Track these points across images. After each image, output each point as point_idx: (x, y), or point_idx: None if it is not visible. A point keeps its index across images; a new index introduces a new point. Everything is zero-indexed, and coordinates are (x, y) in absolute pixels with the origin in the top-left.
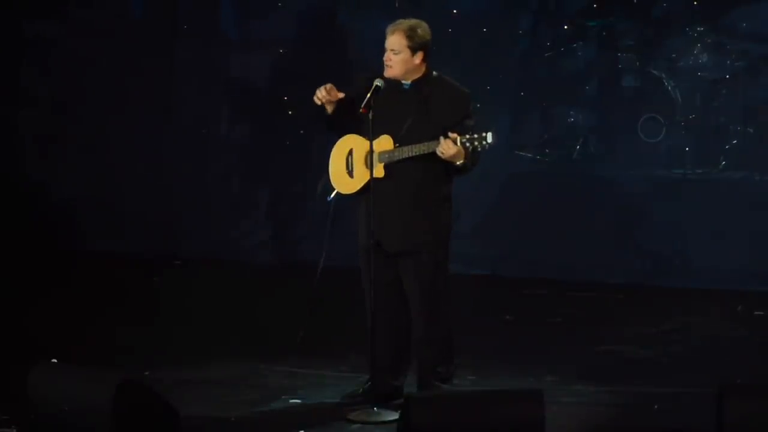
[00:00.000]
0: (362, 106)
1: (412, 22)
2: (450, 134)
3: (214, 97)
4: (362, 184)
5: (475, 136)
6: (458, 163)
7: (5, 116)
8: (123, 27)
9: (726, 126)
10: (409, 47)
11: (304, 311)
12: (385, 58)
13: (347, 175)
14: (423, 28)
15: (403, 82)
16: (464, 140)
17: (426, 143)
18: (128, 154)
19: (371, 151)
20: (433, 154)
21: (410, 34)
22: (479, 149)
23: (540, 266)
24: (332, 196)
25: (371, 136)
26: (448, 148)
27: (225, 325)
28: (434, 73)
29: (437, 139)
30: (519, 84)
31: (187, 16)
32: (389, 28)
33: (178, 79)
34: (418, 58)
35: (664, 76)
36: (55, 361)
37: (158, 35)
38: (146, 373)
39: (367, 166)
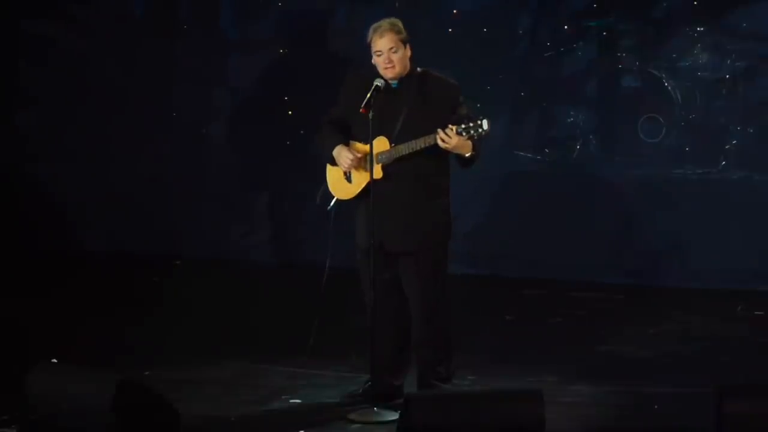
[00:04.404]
0: (362, 106)
1: (389, 20)
2: (449, 126)
3: (213, 97)
4: (362, 188)
5: (471, 124)
6: (467, 154)
7: (5, 116)
8: (123, 27)
9: (726, 126)
10: (402, 41)
11: (312, 318)
12: (383, 61)
13: (345, 181)
14: (401, 22)
15: (390, 81)
16: (460, 130)
17: (423, 138)
18: (128, 154)
19: (371, 152)
20: (430, 150)
21: (397, 30)
22: (476, 137)
23: (540, 266)
24: (332, 204)
25: (371, 137)
26: (449, 138)
27: (225, 325)
28: (418, 69)
29: (433, 132)
30: (519, 84)
31: (187, 16)
32: (376, 33)
33: (178, 79)
34: (408, 50)
35: (664, 76)
36: (55, 361)
37: (158, 35)
38: (146, 373)
39: (365, 169)
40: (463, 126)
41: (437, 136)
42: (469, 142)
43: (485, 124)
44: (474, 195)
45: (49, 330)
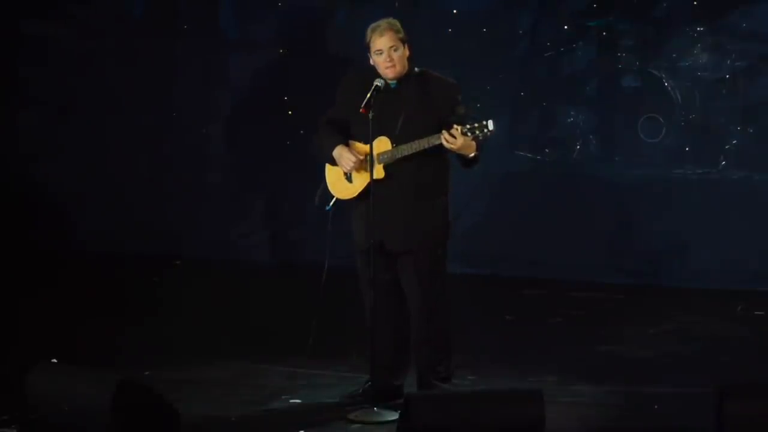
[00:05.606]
0: (362, 106)
1: (388, 19)
2: (455, 126)
3: (213, 97)
4: (363, 187)
5: (476, 125)
6: (471, 155)
7: (5, 116)
8: (123, 27)
9: (726, 126)
10: (401, 41)
11: (311, 318)
12: (383, 60)
13: (345, 181)
14: (399, 22)
15: (389, 81)
16: (465, 130)
17: (426, 138)
18: (128, 154)
19: (371, 152)
20: (431, 149)
21: (397, 29)
22: (481, 137)
23: (540, 266)
24: (331, 204)
25: (371, 137)
26: (454, 139)
27: (225, 325)
28: (416, 69)
29: (434, 132)
30: (519, 84)
31: (187, 16)
32: (376, 32)
33: (178, 79)
34: (408, 49)
35: (664, 76)
36: (55, 361)
37: (158, 35)
38: (146, 373)
39: (366, 169)
40: (468, 126)
41: (442, 137)
42: (474, 143)
43: (491, 124)
44: (474, 195)
45: (48, 330)
